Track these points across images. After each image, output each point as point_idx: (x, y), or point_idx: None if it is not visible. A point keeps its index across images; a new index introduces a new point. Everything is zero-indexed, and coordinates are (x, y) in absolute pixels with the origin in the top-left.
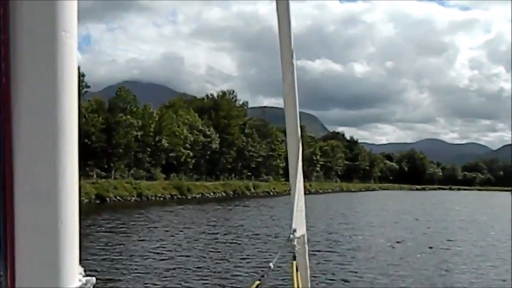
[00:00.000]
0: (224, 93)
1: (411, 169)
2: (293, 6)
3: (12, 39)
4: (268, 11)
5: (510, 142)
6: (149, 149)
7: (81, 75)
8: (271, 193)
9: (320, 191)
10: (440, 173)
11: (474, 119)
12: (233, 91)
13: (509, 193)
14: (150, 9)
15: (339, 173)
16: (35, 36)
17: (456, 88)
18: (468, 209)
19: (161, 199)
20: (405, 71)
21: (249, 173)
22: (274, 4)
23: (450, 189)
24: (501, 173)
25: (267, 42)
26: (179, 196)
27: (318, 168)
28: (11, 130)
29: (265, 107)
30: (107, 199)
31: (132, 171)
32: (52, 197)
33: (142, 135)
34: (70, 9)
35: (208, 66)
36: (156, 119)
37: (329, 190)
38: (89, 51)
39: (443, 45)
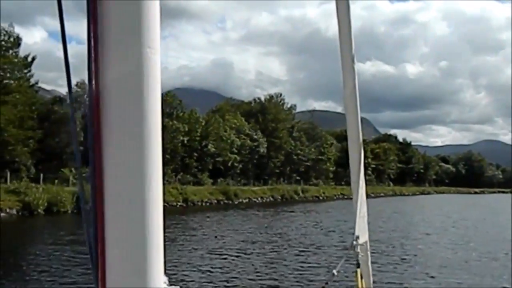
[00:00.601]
0: (271, 96)
1: (468, 171)
2: None
3: (101, 56)
4: (316, 15)
5: None
6: (195, 154)
7: None
8: (321, 198)
9: (372, 195)
10: (500, 176)
11: None
12: (281, 94)
13: None
14: (200, 17)
15: (392, 176)
16: (122, 53)
17: None
18: None
19: (208, 204)
20: (460, 71)
21: (298, 177)
22: (322, 7)
23: None
24: None
25: (315, 45)
26: (226, 201)
27: (369, 172)
28: (101, 142)
29: (313, 110)
30: None
31: (179, 176)
32: (139, 207)
33: (188, 140)
34: (154, 27)
35: (257, 71)
36: (203, 123)
37: (382, 194)
38: None
39: (500, 43)
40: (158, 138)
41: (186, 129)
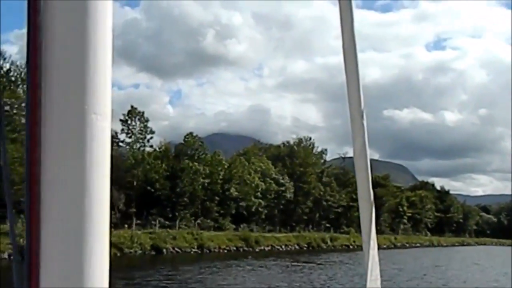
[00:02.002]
0: (300, 140)
1: (511, 222)
2: (377, 56)
3: (43, 122)
4: None
5: None
6: (217, 197)
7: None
8: (351, 247)
9: (407, 245)
10: None
11: None
12: (310, 138)
13: None
14: (237, 64)
15: (430, 226)
16: (64, 118)
17: None
18: None
19: (225, 251)
20: (501, 119)
21: (328, 225)
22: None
23: None
24: None
25: None
26: (246, 249)
27: (405, 220)
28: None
29: (345, 155)
30: (164, 250)
31: (198, 221)
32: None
33: (209, 183)
34: (103, 91)
35: (293, 118)
36: (226, 166)
37: (418, 244)
38: (180, 105)
39: None
40: (105, 216)
41: (207, 171)
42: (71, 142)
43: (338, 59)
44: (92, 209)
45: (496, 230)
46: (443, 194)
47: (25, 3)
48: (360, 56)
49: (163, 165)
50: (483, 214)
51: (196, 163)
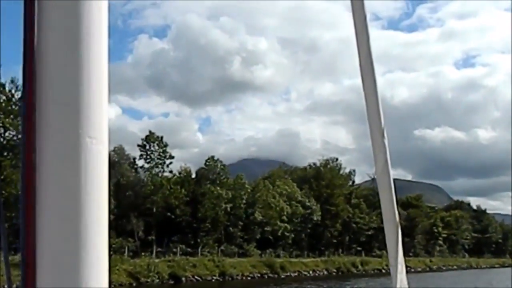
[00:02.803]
0: (327, 161)
1: None
2: (406, 76)
3: (38, 146)
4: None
5: None
6: (241, 222)
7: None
8: (383, 271)
9: (443, 267)
10: None
11: None
12: (337, 159)
13: None
14: (265, 89)
15: (467, 247)
16: (59, 142)
17: None
18: None
19: (249, 278)
20: None
21: (359, 248)
22: (386, 77)
23: None
24: None
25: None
26: (271, 275)
27: (441, 242)
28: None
29: (374, 176)
30: (183, 279)
31: (222, 247)
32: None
33: (232, 208)
34: (99, 115)
35: (323, 140)
36: (249, 190)
37: (455, 267)
38: (210, 132)
39: None
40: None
41: (230, 195)
42: (66, 167)
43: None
44: (89, 235)
45: None
46: (480, 214)
47: (21, 36)
48: (388, 76)
49: (183, 190)
50: None
51: (218, 188)
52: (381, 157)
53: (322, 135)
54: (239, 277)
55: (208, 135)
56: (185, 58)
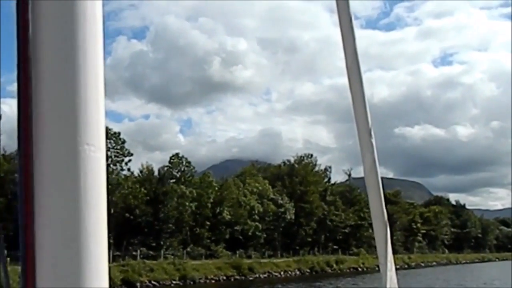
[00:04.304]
0: (301, 157)
1: None
2: (385, 75)
3: (35, 154)
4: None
5: None
6: (208, 222)
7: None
8: (360, 269)
9: (423, 264)
10: None
11: None
12: (311, 155)
13: None
14: (245, 90)
15: (447, 242)
16: (57, 149)
17: None
18: None
19: (213, 281)
20: None
21: (335, 247)
22: (366, 75)
23: None
24: None
25: None
26: (238, 277)
27: (420, 238)
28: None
29: (350, 171)
30: (138, 284)
31: (188, 249)
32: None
33: (198, 207)
34: (96, 122)
35: (305, 140)
36: (216, 188)
37: (434, 263)
38: (191, 133)
39: None
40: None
41: (195, 194)
42: (64, 174)
43: (346, 80)
44: (89, 241)
45: None
46: (459, 209)
47: (15, 39)
48: (367, 75)
49: (142, 189)
50: (503, 227)
51: (182, 186)
52: (368, 156)
53: (303, 135)
54: (202, 281)
55: (190, 136)
56: (164, 59)
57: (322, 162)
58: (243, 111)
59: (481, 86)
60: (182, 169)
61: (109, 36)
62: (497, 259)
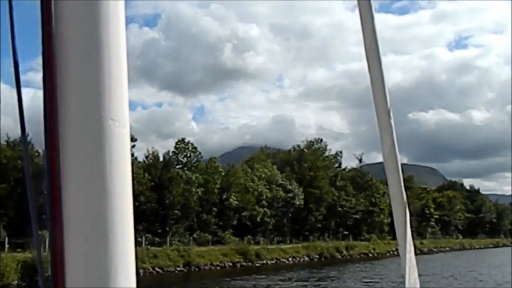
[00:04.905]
0: (311, 142)
1: None
2: (399, 59)
3: (60, 130)
4: None
5: None
6: (215, 208)
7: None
8: (370, 255)
9: (435, 249)
10: None
11: None
12: (321, 140)
13: None
14: (257, 76)
15: (461, 227)
16: (81, 124)
17: None
18: None
19: (219, 268)
20: None
21: (346, 232)
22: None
23: None
24: None
25: None
26: (244, 264)
27: (433, 223)
28: (62, 230)
29: (361, 156)
30: (141, 271)
31: (195, 235)
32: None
33: (205, 193)
34: (120, 97)
35: (318, 126)
36: (223, 174)
37: (447, 248)
38: (204, 121)
39: None
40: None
41: (202, 180)
42: (89, 150)
43: (359, 65)
44: (115, 216)
45: None
46: (473, 194)
47: (39, 14)
48: (382, 60)
49: (146, 175)
50: None
51: (188, 172)
52: (387, 138)
53: (316, 121)
54: (207, 267)
55: (203, 124)
56: (176, 47)
57: (335, 148)
58: (255, 98)
59: (496, 70)
60: (188, 154)
61: None
62: None
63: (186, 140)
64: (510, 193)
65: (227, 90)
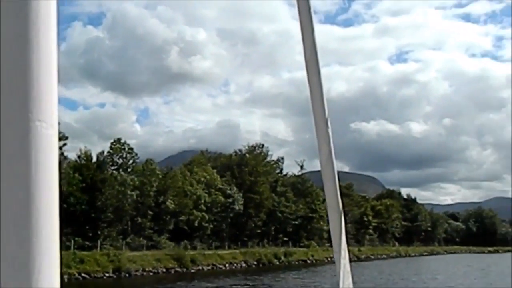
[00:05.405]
0: (252, 147)
1: (480, 229)
2: (343, 70)
3: None
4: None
5: None
6: (150, 212)
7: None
8: (309, 261)
9: (372, 256)
10: None
11: None
12: (263, 145)
13: None
14: (204, 81)
15: (397, 235)
16: (8, 125)
17: None
18: None
19: (151, 274)
20: (465, 129)
21: (285, 238)
22: (323, 70)
23: None
24: None
25: None
26: (179, 270)
27: (371, 231)
28: None
29: (302, 162)
30: (66, 277)
31: (128, 239)
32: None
33: (140, 196)
34: (49, 98)
35: (263, 132)
36: (160, 176)
37: (384, 256)
38: (148, 123)
39: (502, 100)
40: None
41: (137, 182)
42: (15, 151)
43: (304, 74)
44: (40, 218)
45: (464, 237)
46: (410, 202)
47: None
48: (325, 70)
49: (76, 175)
50: (452, 221)
51: (123, 173)
52: (325, 147)
53: (261, 127)
54: (138, 273)
55: (147, 126)
56: (122, 47)
57: (279, 154)
58: (201, 102)
59: (435, 85)
60: (124, 155)
61: (63, 21)
62: (445, 252)
63: (123, 141)
64: (445, 203)
65: (173, 93)
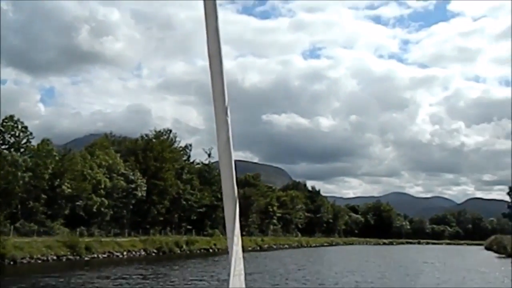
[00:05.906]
0: (159, 132)
1: (377, 222)
2: (257, 61)
3: None
4: (232, 67)
5: (474, 196)
6: (44, 196)
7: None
8: (211, 250)
9: (274, 246)
10: (408, 226)
11: (438, 173)
12: (170, 131)
13: (480, 247)
14: (115, 63)
15: (300, 226)
16: None
17: (419, 143)
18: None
19: (40, 262)
20: (370, 126)
21: (189, 227)
22: (238, 60)
23: (419, 243)
24: (470, 226)
25: (232, 96)
26: (71, 257)
27: (275, 221)
28: None
29: (210, 151)
30: None
31: (17, 224)
32: None
33: (33, 178)
34: None
35: (174, 119)
36: (57, 158)
37: (286, 246)
38: (53, 104)
39: (405, 101)
40: None
41: (31, 163)
42: None
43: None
44: None
45: (363, 229)
46: (314, 194)
47: None
48: (240, 60)
49: None
50: (352, 214)
51: (14, 153)
52: (223, 135)
53: (173, 114)
54: (25, 261)
55: (51, 107)
56: (27, 21)
57: (189, 142)
58: (111, 85)
59: (344, 81)
60: (17, 134)
61: None
62: (344, 243)
63: (16, 119)
64: (347, 196)
65: (82, 74)
